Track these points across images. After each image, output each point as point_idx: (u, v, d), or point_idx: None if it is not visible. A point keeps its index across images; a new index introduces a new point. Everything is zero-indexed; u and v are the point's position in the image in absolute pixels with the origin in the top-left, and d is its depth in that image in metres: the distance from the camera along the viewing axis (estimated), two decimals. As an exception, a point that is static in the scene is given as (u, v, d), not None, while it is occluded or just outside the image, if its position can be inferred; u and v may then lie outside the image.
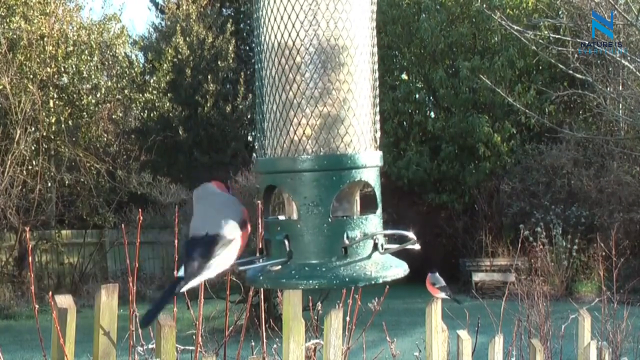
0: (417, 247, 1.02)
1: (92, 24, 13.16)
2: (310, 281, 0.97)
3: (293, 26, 1.00)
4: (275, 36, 1.01)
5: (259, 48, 1.05)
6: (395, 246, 1.03)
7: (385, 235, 1.03)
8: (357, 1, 1.02)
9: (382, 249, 1.01)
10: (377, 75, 1.06)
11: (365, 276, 0.98)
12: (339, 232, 0.99)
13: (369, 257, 1.00)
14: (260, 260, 1.04)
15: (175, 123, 15.10)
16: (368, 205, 1.04)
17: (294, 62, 1.00)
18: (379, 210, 1.03)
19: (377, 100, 1.06)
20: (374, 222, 1.02)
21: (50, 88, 12.12)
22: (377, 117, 1.06)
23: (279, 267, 1.00)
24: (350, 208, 1.04)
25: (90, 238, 13.29)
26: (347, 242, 0.98)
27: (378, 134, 1.05)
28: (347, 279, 0.98)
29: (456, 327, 2.72)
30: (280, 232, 1.01)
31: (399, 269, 1.02)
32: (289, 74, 1.01)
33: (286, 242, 0.99)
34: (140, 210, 2.09)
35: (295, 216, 1.01)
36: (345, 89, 1.01)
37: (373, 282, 0.99)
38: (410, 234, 1.01)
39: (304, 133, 1.00)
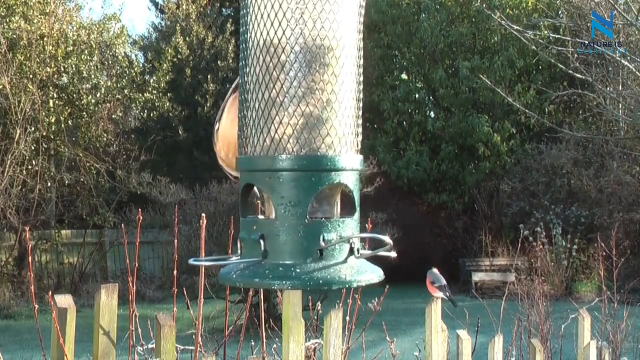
0: (393, 254, 1.00)
1: (92, 24, 13.14)
2: (284, 282, 0.96)
3: (280, 24, 0.99)
4: (262, 34, 1.00)
5: (244, 45, 1.04)
6: (370, 252, 1.02)
7: (361, 240, 1.02)
8: (346, 3, 1.01)
9: (358, 253, 1.00)
10: (362, 79, 1.05)
11: (339, 280, 0.97)
12: (316, 233, 0.97)
13: (345, 261, 0.99)
14: (234, 259, 1.03)
15: (175, 123, 15.11)
16: (348, 208, 1.03)
17: (278, 61, 0.99)
18: (357, 215, 1.02)
19: (361, 104, 1.05)
20: (351, 226, 1.01)
21: (50, 88, 12.11)
22: (360, 121, 1.05)
23: (253, 266, 0.99)
24: (330, 210, 1.02)
25: (90, 238, 13.28)
26: (323, 244, 0.97)
27: (360, 138, 1.05)
28: (321, 282, 0.96)
29: (456, 327, 2.72)
30: (257, 231, 1.00)
31: (374, 275, 1.00)
32: (273, 72, 0.99)
33: (262, 242, 0.98)
34: (140, 210, 2.08)
35: (272, 216, 1.00)
36: (329, 90, 0.99)
37: (347, 287, 0.98)
38: (387, 239, 0.99)
39: (285, 132, 0.99)
